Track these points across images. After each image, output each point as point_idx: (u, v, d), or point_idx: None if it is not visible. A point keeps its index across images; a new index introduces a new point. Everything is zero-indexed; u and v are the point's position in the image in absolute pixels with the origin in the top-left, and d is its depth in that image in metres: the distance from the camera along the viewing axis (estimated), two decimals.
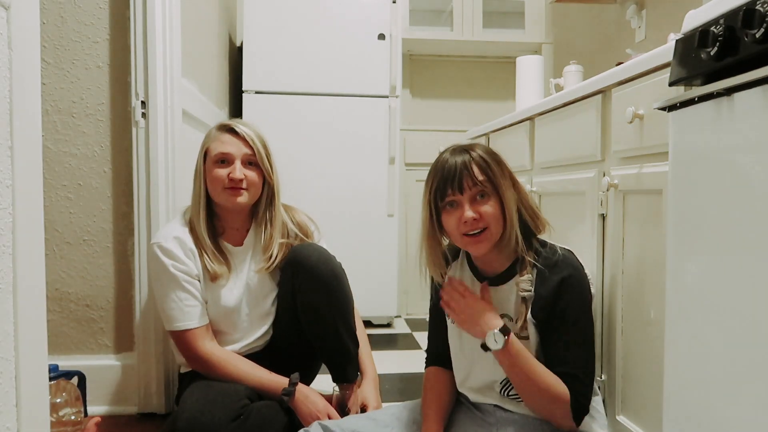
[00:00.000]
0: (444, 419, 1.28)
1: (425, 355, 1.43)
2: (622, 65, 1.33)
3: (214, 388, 1.36)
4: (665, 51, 1.14)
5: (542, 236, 1.27)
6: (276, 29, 2.68)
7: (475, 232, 1.17)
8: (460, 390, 1.32)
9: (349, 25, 2.73)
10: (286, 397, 1.40)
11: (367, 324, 2.74)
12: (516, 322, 1.20)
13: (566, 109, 1.64)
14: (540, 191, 1.80)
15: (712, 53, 0.86)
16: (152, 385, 1.69)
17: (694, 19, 0.95)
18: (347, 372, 1.55)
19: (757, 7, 0.76)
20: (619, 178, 1.32)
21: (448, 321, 1.33)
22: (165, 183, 1.70)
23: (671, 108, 0.97)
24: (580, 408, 1.15)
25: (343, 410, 1.49)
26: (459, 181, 1.16)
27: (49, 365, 1.06)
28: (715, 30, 0.86)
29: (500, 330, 1.13)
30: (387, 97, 2.75)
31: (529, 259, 1.19)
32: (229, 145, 1.47)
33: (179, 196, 1.74)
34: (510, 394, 1.22)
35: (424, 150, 3.12)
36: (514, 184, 1.22)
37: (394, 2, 2.73)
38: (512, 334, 1.15)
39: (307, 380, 1.60)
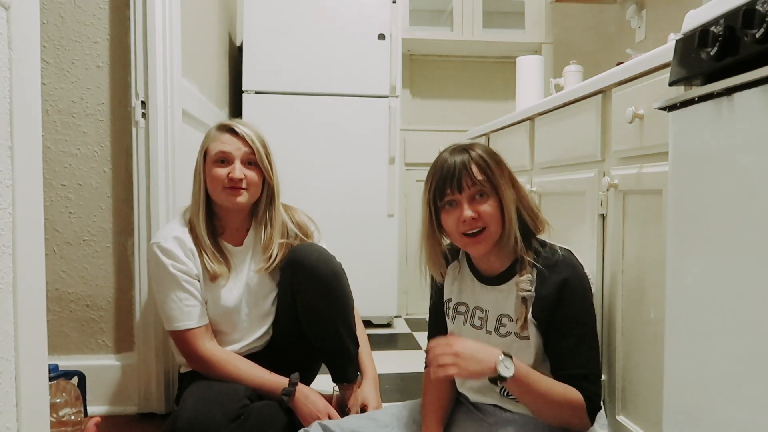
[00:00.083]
0: (444, 419, 1.28)
1: (425, 355, 1.43)
2: (622, 65, 1.33)
3: (214, 388, 1.36)
4: (665, 51, 1.14)
5: (542, 236, 1.27)
6: (276, 29, 2.68)
7: (474, 231, 1.17)
8: (460, 390, 1.32)
9: (349, 25, 2.72)
10: (286, 397, 1.40)
11: (367, 324, 2.74)
12: (516, 323, 1.20)
13: (566, 109, 1.64)
14: (540, 191, 1.80)
15: (712, 53, 0.86)
16: (152, 385, 1.69)
17: (694, 19, 0.95)
18: (347, 372, 1.55)
19: (757, 7, 0.76)
20: (619, 178, 1.32)
21: (448, 321, 1.33)
22: (165, 183, 1.70)
23: (671, 108, 0.97)
24: (594, 408, 1.16)
25: (343, 410, 1.49)
26: (458, 181, 1.16)
27: (49, 365, 1.07)
28: (715, 30, 0.86)
29: (504, 355, 1.09)
30: (387, 97, 2.75)
31: (528, 259, 1.19)
32: (228, 144, 1.47)
33: (179, 196, 1.74)
34: (510, 394, 1.22)
35: (424, 150, 3.12)
36: (514, 183, 1.22)
37: (394, 2, 2.72)
38: (515, 358, 1.10)
39: (307, 380, 1.60)
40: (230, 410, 1.29)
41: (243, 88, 2.68)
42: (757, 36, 0.76)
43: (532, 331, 1.18)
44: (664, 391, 1.00)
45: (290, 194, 1.65)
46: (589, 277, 1.22)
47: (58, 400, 1.43)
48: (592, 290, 1.24)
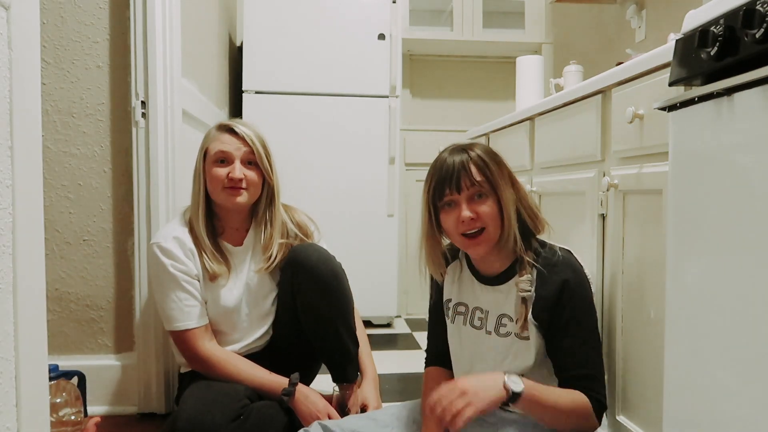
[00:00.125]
0: None
1: (425, 355, 1.43)
2: (622, 65, 1.33)
3: (214, 388, 1.36)
4: (665, 51, 1.14)
5: (542, 236, 1.27)
6: (276, 29, 2.68)
7: (473, 231, 1.17)
8: None
9: (349, 25, 2.73)
10: (286, 397, 1.40)
11: (367, 324, 2.74)
12: (516, 323, 1.20)
13: (566, 109, 1.64)
14: (540, 191, 1.80)
15: (712, 53, 0.86)
16: (152, 385, 1.69)
17: (694, 19, 0.95)
18: (347, 372, 1.55)
19: (757, 7, 0.76)
20: (619, 178, 1.32)
21: (448, 321, 1.33)
22: (165, 183, 1.70)
23: (671, 108, 0.97)
24: (601, 408, 1.16)
25: (343, 410, 1.49)
26: (457, 181, 1.16)
27: (49, 365, 1.06)
28: (715, 30, 0.86)
29: (507, 373, 1.09)
30: (387, 97, 2.75)
31: (528, 259, 1.19)
32: (228, 144, 1.46)
33: (179, 196, 1.74)
34: None
35: (424, 150, 3.12)
36: (514, 184, 1.22)
37: (394, 2, 2.73)
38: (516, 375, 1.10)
39: (307, 380, 1.60)
40: (230, 410, 1.29)
41: (243, 88, 2.68)
42: (757, 36, 0.76)
43: (532, 331, 1.18)
44: (664, 391, 1.00)
45: (290, 194, 1.65)
46: (589, 277, 1.22)
47: (58, 400, 1.43)
48: (592, 290, 1.24)
